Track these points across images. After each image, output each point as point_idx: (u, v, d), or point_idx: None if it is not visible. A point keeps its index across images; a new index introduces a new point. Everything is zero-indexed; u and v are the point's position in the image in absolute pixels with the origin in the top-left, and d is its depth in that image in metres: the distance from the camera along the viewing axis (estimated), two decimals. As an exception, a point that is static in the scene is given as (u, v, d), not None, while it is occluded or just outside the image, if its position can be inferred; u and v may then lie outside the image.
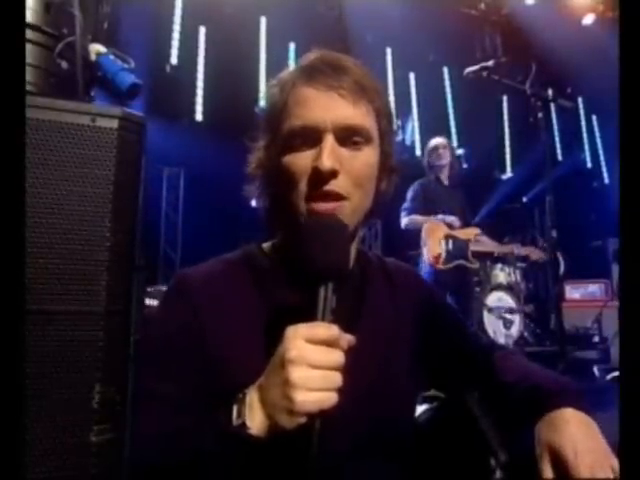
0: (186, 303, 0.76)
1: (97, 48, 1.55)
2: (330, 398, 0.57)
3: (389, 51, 6.39)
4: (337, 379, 0.58)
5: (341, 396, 0.58)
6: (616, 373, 3.44)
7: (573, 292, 5.50)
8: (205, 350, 0.73)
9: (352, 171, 0.73)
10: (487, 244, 4.20)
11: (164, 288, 0.87)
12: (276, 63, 5.44)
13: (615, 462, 0.68)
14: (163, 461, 0.65)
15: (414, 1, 5.56)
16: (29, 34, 1.36)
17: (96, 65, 1.54)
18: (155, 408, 0.71)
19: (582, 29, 6.37)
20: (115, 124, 1.31)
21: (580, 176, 7.41)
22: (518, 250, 4.42)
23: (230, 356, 0.73)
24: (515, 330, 4.50)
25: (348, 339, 0.61)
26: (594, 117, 7.87)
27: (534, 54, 4.94)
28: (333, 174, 0.71)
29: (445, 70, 6.86)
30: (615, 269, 5.72)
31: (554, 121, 7.29)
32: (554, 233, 2.59)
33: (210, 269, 0.82)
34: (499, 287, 4.60)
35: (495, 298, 4.50)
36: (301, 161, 0.73)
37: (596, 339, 4.87)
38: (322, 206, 0.72)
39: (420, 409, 0.95)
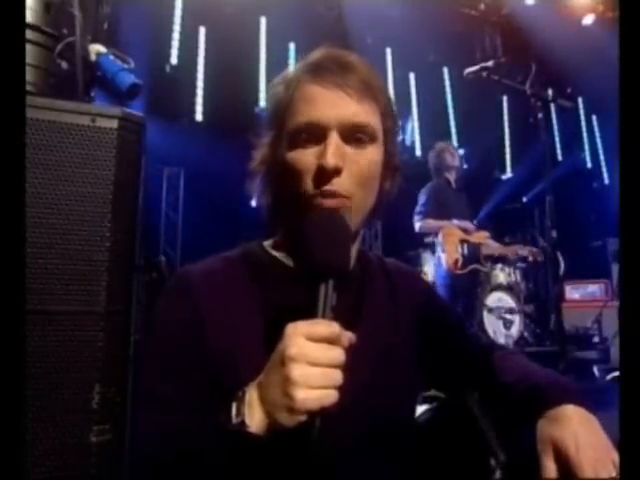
0: (186, 300, 0.76)
1: (97, 48, 1.55)
2: (330, 396, 0.57)
3: (389, 51, 6.39)
4: (337, 377, 0.58)
5: (341, 394, 0.58)
6: (616, 373, 3.44)
7: (573, 292, 5.50)
8: (205, 348, 0.73)
9: (356, 169, 0.73)
10: (494, 247, 4.26)
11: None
12: (276, 63, 5.44)
13: (616, 457, 0.68)
14: (163, 459, 0.65)
15: (414, 1, 5.56)
16: (29, 34, 1.36)
17: (96, 65, 1.54)
18: (155, 406, 0.71)
19: (582, 29, 6.37)
20: (115, 124, 1.32)
21: (580, 176, 7.41)
22: (522, 251, 4.45)
23: (230, 353, 0.73)
24: (515, 330, 4.50)
25: (349, 337, 0.61)
26: (594, 117, 7.86)
27: (534, 54, 4.94)
28: (337, 172, 0.71)
29: (445, 70, 6.86)
30: (615, 269, 5.72)
31: (554, 121, 7.28)
32: (554, 233, 2.59)
33: (210, 266, 0.81)
34: (499, 287, 4.60)
35: (495, 298, 4.50)
36: (305, 158, 0.73)
37: (596, 339, 4.87)
38: (326, 202, 0.72)
39: (420, 409, 0.95)
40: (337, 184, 0.71)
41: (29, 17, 1.37)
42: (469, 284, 3.96)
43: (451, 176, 4.01)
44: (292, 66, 0.82)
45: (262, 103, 5.22)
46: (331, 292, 0.63)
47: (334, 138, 0.72)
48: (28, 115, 1.16)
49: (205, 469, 0.62)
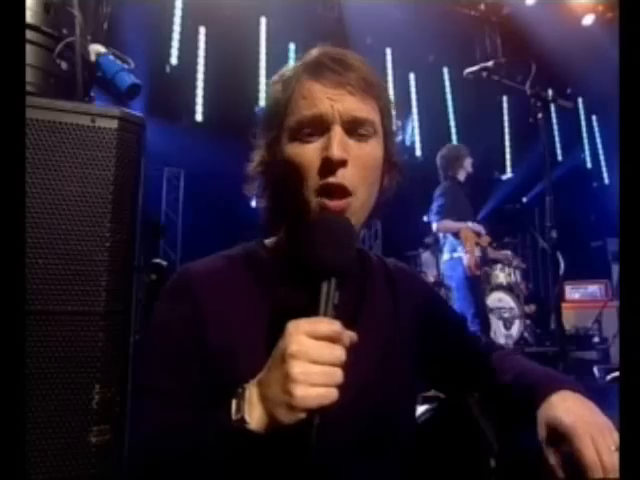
0: (187, 299, 0.76)
1: (97, 48, 1.55)
2: (330, 394, 0.57)
3: (389, 51, 6.39)
4: (338, 375, 0.58)
5: (341, 393, 0.58)
6: (616, 373, 3.44)
7: (573, 292, 5.51)
8: (206, 346, 0.73)
9: (359, 162, 0.73)
10: (494, 251, 4.37)
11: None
12: (276, 63, 5.41)
13: (616, 434, 0.68)
14: (163, 456, 0.65)
15: (414, 2, 5.56)
16: (29, 34, 1.36)
17: (96, 65, 1.53)
18: (155, 402, 0.71)
19: (582, 29, 6.37)
20: (115, 124, 1.31)
21: (580, 176, 7.41)
22: (511, 257, 4.61)
23: (231, 352, 0.73)
24: (515, 330, 4.51)
25: (350, 336, 0.61)
26: (594, 117, 7.87)
27: (534, 54, 4.94)
28: (342, 163, 0.71)
29: (445, 70, 6.86)
30: (615, 269, 5.72)
31: (554, 121, 7.28)
32: (554, 233, 2.59)
33: (211, 265, 0.81)
34: (499, 288, 4.60)
35: (495, 298, 4.51)
36: (309, 152, 0.72)
37: (596, 339, 4.87)
38: (332, 203, 0.71)
39: (420, 409, 0.95)
40: (342, 176, 0.71)
41: (29, 17, 1.37)
42: (480, 285, 4.02)
43: (461, 177, 4.02)
44: (289, 65, 0.81)
45: (262, 103, 5.22)
46: (333, 290, 0.63)
47: (338, 131, 0.72)
48: (28, 115, 1.16)
49: (204, 465, 0.62)
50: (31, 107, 1.17)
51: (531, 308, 5.19)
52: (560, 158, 7.43)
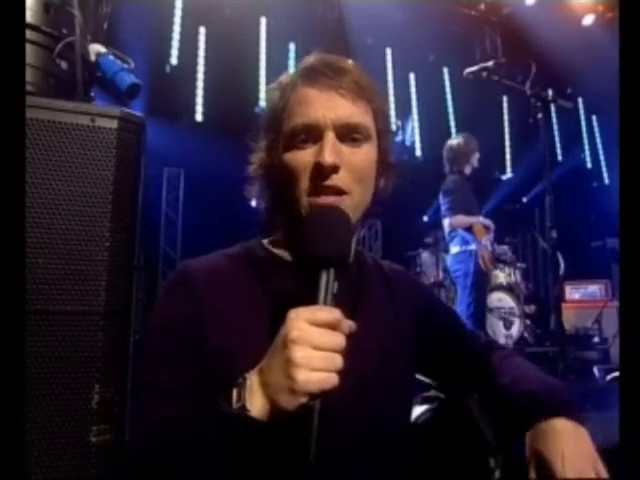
0: (187, 295, 0.77)
1: (97, 48, 1.55)
2: (331, 379, 0.58)
3: (389, 51, 6.38)
4: (338, 361, 0.59)
5: (341, 385, 0.59)
6: (616, 373, 3.44)
7: (573, 292, 5.51)
8: (206, 341, 0.74)
9: (352, 166, 0.75)
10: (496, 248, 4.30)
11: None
12: (276, 63, 5.43)
13: (602, 468, 0.69)
14: (164, 447, 0.66)
15: (414, 2, 5.56)
16: (28, 34, 1.36)
17: (96, 65, 1.54)
18: (156, 398, 0.72)
19: (582, 29, 6.37)
20: (114, 124, 1.31)
21: (580, 176, 7.41)
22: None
23: (230, 348, 0.74)
24: (515, 330, 4.51)
25: (349, 324, 0.62)
26: (594, 117, 7.87)
27: (534, 54, 4.93)
28: (334, 169, 0.73)
29: (445, 70, 6.85)
30: (615, 269, 5.72)
31: (554, 121, 7.28)
32: (554, 233, 2.59)
33: (210, 262, 0.83)
34: (499, 288, 4.61)
35: (495, 298, 4.51)
36: (303, 157, 0.75)
37: (596, 339, 4.88)
38: (324, 199, 0.74)
39: (420, 409, 0.96)
40: (336, 179, 0.74)
41: (29, 17, 1.37)
42: (485, 283, 3.93)
43: (468, 171, 3.94)
44: (292, 67, 0.84)
45: (262, 103, 5.22)
46: (332, 280, 0.64)
47: (330, 137, 0.74)
48: (28, 115, 1.16)
49: (206, 455, 0.62)
50: (31, 107, 1.17)
51: (531, 308, 5.20)
52: (560, 158, 7.43)
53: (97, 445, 1.14)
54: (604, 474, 0.68)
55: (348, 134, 0.76)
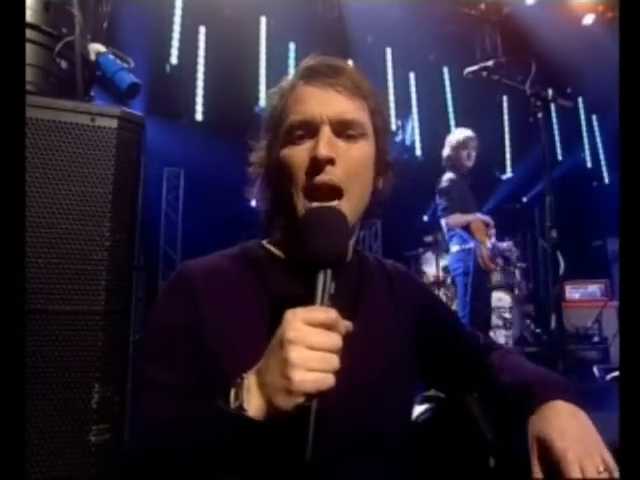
0: (186, 295, 0.77)
1: (97, 47, 1.55)
2: (327, 379, 0.58)
3: (389, 51, 6.39)
4: (335, 361, 0.59)
5: (339, 386, 0.59)
6: (616, 373, 3.44)
7: (573, 292, 5.51)
8: (206, 341, 0.74)
9: (348, 161, 0.76)
10: (498, 243, 4.20)
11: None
12: (276, 63, 5.44)
13: (607, 454, 0.68)
14: (163, 446, 0.66)
15: (414, 1, 5.56)
16: (28, 33, 1.36)
17: (95, 65, 1.53)
18: (156, 397, 0.72)
19: (582, 29, 6.37)
20: (114, 124, 1.31)
21: (580, 176, 7.41)
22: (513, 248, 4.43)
23: (230, 347, 0.74)
24: (515, 330, 4.51)
25: (346, 325, 0.63)
26: (594, 116, 7.86)
27: (534, 54, 4.93)
28: (330, 161, 0.74)
29: (445, 70, 6.86)
30: (615, 269, 5.72)
31: (554, 121, 7.28)
32: (554, 233, 2.59)
33: (210, 262, 0.83)
34: (499, 287, 4.60)
35: (495, 298, 4.51)
36: (299, 152, 0.76)
37: (596, 339, 4.88)
38: (321, 195, 0.74)
39: (420, 409, 0.96)
40: (330, 172, 0.74)
41: (29, 16, 1.37)
42: (485, 281, 3.87)
43: (467, 165, 3.90)
44: (292, 67, 0.85)
45: (262, 103, 5.22)
46: (329, 280, 0.64)
47: (326, 131, 0.75)
48: (28, 115, 1.16)
49: (204, 454, 0.62)
50: (31, 106, 1.16)
51: (531, 308, 5.20)
52: (560, 158, 7.43)
53: (97, 445, 1.14)
54: (608, 458, 0.67)
55: (344, 130, 0.77)
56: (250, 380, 0.62)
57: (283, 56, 5.51)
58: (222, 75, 5.25)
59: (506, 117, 7.20)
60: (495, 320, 4.45)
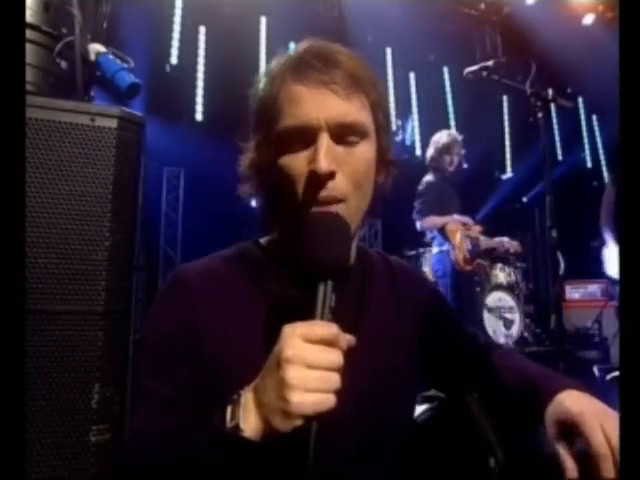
0: (183, 301, 0.75)
1: (96, 48, 1.55)
2: (328, 400, 0.55)
3: (389, 51, 6.38)
4: (335, 380, 0.56)
5: (340, 398, 0.56)
6: (616, 373, 3.44)
7: (573, 292, 5.50)
8: (202, 349, 0.72)
9: (350, 169, 0.71)
10: (488, 240, 4.17)
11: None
12: (276, 63, 5.42)
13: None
14: (158, 462, 0.64)
15: (414, 1, 5.56)
16: (28, 34, 1.36)
17: (95, 65, 1.54)
18: (152, 407, 0.70)
19: (582, 29, 6.37)
20: (114, 124, 1.32)
21: (580, 176, 7.41)
22: (507, 244, 4.35)
23: (227, 355, 0.72)
24: (515, 330, 4.50)
25: (348, 339, 0.59)
26: (594, 117, 7.86)
27: (534, 54, 4.93)
28: (331, 175, 0.68)
29: (445, 70, 6.86)
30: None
31: (554, 120, 7.28)
32: (554, 233, 2.59)
33: (206, 266, 0.80)
34: (499, 287, 4.60)
35: (495, 298, 4.50)
36: (296, 163, 0.70)
37: (596, 339, 4.88)
38: (322, 208, 0.70)
39: (420, 409, 0.95)
40: (332, 187, 0.69)
41: (29, 17, 1.37)
42: (470, 282, 3.94)
43: (449, 171, 3.89)
44: (276, 60, 0.77)
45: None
46: (330, 293, 0.61)
47: (324, 140, 0.69)
48: (28, 115, 1.16)
49: (200, 472, 0.60)
50: (31, 106, 1.16)
51: (531, 308, 5.19)
52: (560, 158, 7.43)
53: (97, 445, 1.14)
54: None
55: (343, 135, 0.70)
56: (247, 398, 0.59)
57: (283, 56, 5.50)
58: (222, 75, 5.25)
59: (506, 117, 7.20)
60: (495, 320, 4.45)
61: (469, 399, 0.88)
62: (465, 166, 5.62)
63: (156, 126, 3.81)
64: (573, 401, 0.71)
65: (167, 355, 0.73)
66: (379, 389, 0.77)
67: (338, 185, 0.69)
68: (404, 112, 6.49)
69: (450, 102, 6.89)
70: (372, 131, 0.75)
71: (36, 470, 1.10)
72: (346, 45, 0.79)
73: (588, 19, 6.41)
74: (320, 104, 0.69)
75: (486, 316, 4.38)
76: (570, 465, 0.68)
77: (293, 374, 0.54)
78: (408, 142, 6.47)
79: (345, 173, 0.70)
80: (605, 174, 7.85)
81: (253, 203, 0.86)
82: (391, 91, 6.27)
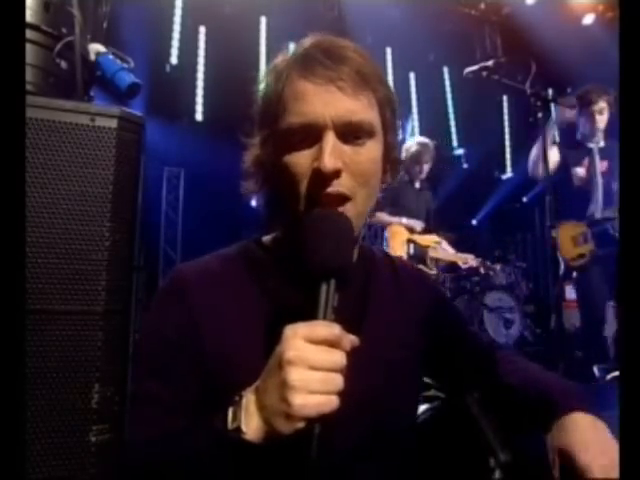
0: (182, 302, 0.74)
1: (96, 48, 1.55)
2: (330, 402, 0.54)
3: (389, 51, 6.38)
4: (338, 382, 0.55)
5: (343, 399, 0.55)
6: (616, 373, 3.44)
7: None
8: (202, 350, 0.71)
9: (356, 168, 0.69)
10: (446, 252, 4.11)
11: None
12: (276, 63, 5.42)
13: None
14: (159, 464, 0.63)
15: (414, 1, 5.56)
16: (28, 34, 1.36)
17: (95, 65, 1.54)
18: (152, 411, 0.70)
19: (582, 29, 6.36)
20: (114, 124, 1.32)
21: (580, 176, 7.40)
22: (472, 262, 4.25)
23: (228, 356, 0.71)
24: (515, 330, 4.51)
25: (351, 339, 0.58)
26: (594, 117, 7.85)
27: (534, 54, 4.93)
28: (336, 174, 0.67)
29: (445, 70, 6.86)
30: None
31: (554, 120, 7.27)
32: (554, 233, 2.59)
33: (206, 265, 0.79)
34: (499, 287, 4.61)
35: (495, 298, 4.51)
36: (301, 161, 0.69)
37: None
38: (327, 205, 0.69)
39: (420, 409, 0.95)
40: (338, 185, 0.68)
41: (28, 17, 1.37)
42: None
43: (417, 178, 3.93)
44: (282, 56, 0.76)
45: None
46: (332, 293, 0.60)
47: (330, 138, 0.67)
48: (27, 115, 1.16)
49: (202, 474, 0.60)
50: (31, 106, 1.17)
51: (531, 308, 5.20)
52: (560, 158, 7.42)
53: (97, 445, 1.14)
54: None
55: (350, 133, 0.69)
56: (249, 400, 0.58)
57: (283, 56, 5.50)
58: (222, 75, 5.25)
59: (506, 117, 7.20)
60: (495, 320, 4.45)
61: (469, 399, 0.88)
62: (465, 166, 5.63)
63: (156, 126, 3.81)
64: (582, 440, 0.70)
65: (165, 356, 0.72)
66: (382, 389, 0.77)
67: (343, 182, 0.68)
68: (404, 112, 6.49)
69: (450, 102, 6.89)
70: (379, 129, 0.73)
71: (36, 470, 1.10)
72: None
73: (588, 19, 6.41)
74: (326, 101, 0.68)
75: (486, 316, 4.38)
76: None
77: (295, 376, 0.53)
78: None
79: (351, 172, 0.69)
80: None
81: (253, 203, 0.85)
82: (391, 91, 6.27)
